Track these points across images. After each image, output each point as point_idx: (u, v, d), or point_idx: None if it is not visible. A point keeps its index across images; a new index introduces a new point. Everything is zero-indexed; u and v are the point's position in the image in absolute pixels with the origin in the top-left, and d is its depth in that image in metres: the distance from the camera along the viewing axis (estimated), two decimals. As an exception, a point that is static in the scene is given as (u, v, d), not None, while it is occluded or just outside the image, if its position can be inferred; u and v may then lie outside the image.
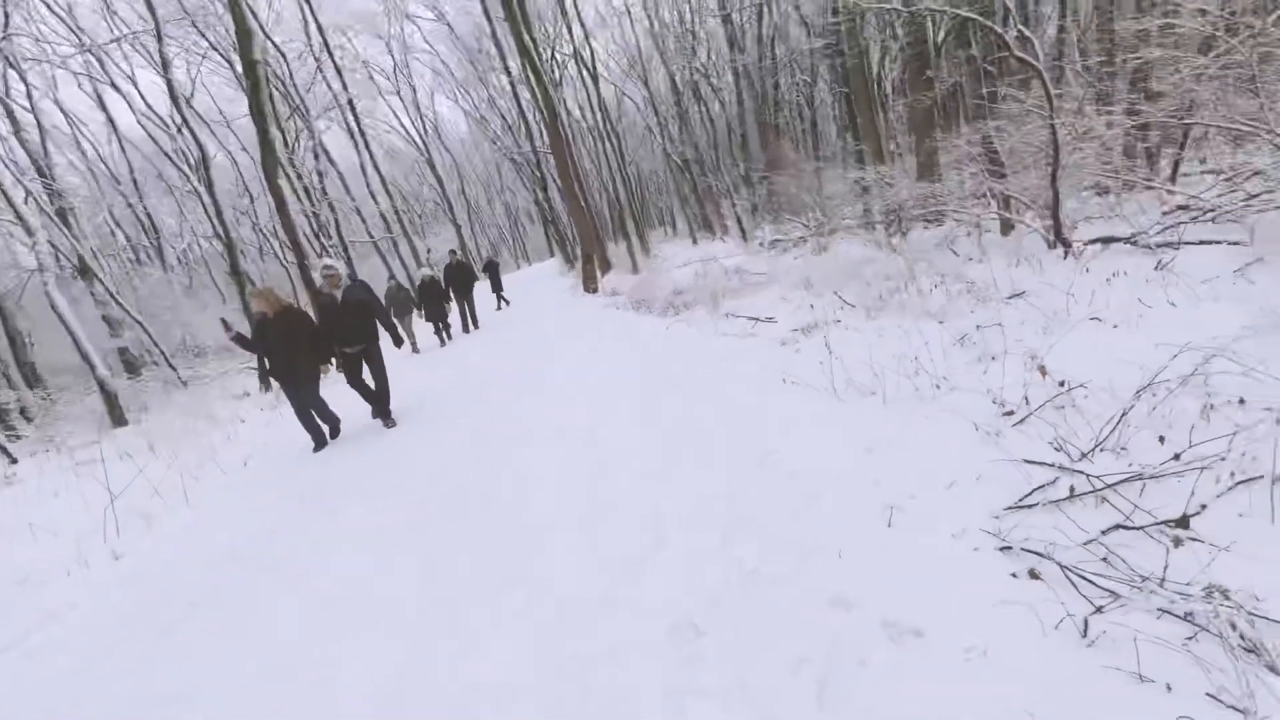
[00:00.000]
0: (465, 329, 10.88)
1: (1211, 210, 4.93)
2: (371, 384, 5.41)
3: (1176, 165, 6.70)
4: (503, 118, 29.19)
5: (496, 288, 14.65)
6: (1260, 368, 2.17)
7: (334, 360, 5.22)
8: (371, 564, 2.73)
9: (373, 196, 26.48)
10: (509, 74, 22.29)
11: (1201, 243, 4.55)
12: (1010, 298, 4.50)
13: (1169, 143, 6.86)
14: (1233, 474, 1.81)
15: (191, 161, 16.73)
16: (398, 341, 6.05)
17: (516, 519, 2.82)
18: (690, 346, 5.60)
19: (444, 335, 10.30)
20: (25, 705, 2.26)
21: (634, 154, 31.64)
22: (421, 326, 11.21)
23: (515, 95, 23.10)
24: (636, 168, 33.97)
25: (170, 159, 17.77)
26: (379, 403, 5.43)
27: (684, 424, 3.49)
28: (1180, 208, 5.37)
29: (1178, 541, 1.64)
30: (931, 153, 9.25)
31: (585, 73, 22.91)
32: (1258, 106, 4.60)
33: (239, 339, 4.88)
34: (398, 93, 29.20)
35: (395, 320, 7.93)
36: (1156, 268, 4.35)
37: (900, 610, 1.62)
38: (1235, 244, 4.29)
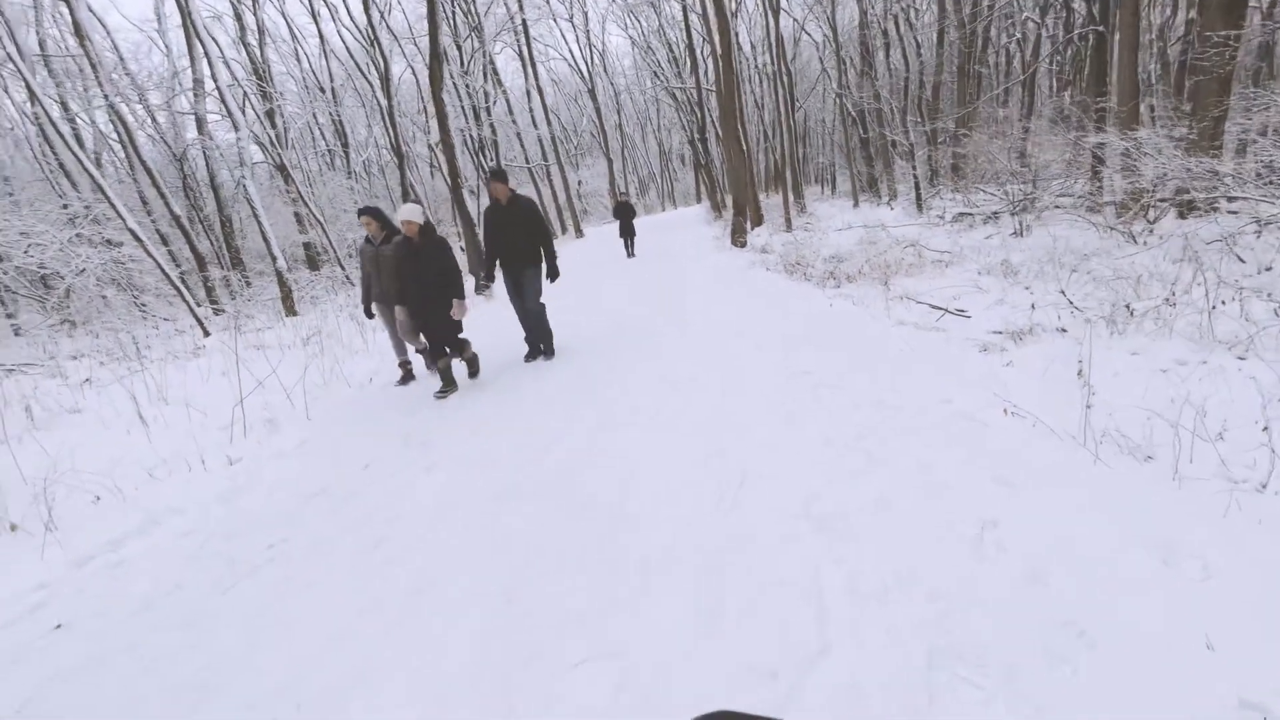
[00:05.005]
0: (531, 352, 5.27)
1: None
2: None
3: None
4: (670, 49, 27.95)
5: (627, 232, 13.91)
6: None
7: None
8: (441, 561, 2.33)
9: (534, 122, 26.93)
10: (683, 1, 20.91)
11: None
12: (1374, 339, 3.04)
13: None
14: None
15: (379, 74, 17.74)
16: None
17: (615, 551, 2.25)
18: (860, 334, 4.64)
19: (438, 363, 4.66)
20: (66, 648, 2.15)
21: (803, 100, 28.97)
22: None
23: (686, 25, 21.75)
24: (805, 114, 31.27)
25: (362, 71, 18.96)
26: None
27: (856, 448, 2.68)
28: None
29: None
30: (1219, 118, 6.99)
31: (765, 3, 20.83)
32: None
33: None
34: (570, 18, 28.88)
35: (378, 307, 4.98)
36: None
37: None
38: None
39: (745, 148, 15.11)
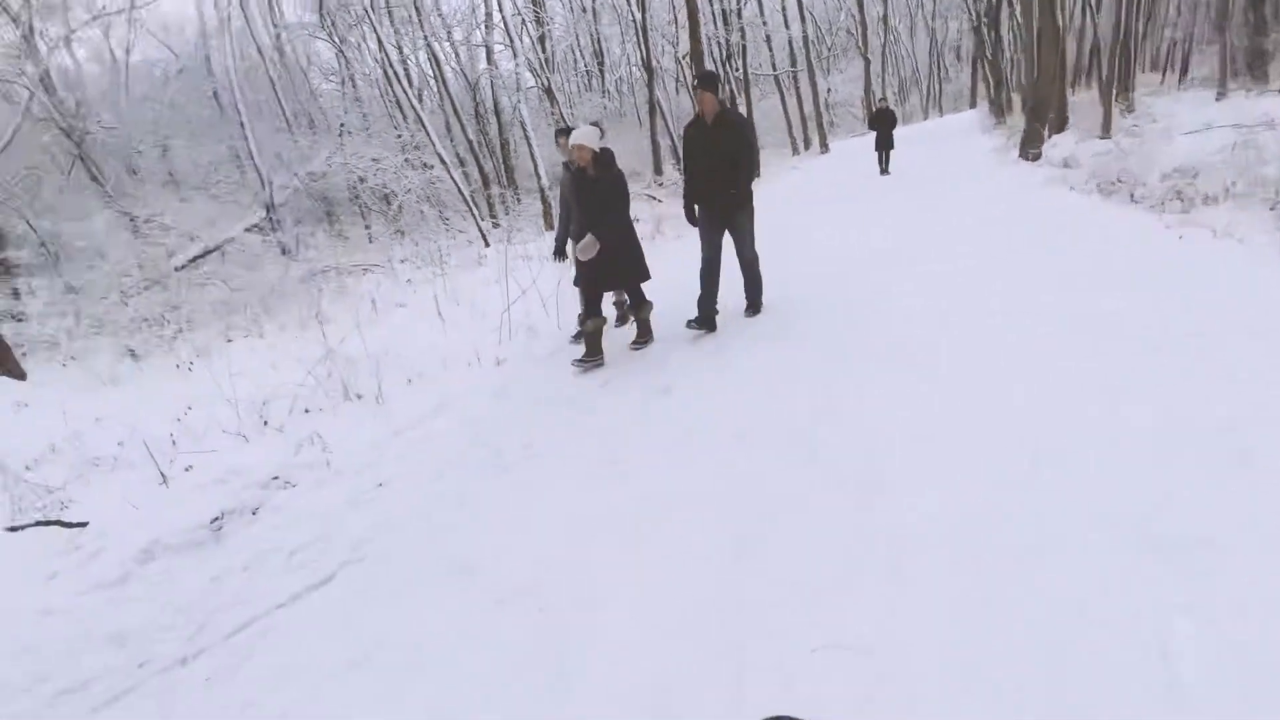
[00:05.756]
0: (752, 306, 4.37)
1: None
2: None
3: None
4: (966, -93, 22.65)
5: (885, 144, 11.95)
6: None
7: None
8: (673, 492, 2.33)
9: (785, 22, 24.72)
10: None
11: None
12: None
13: None
14: None
15: (635, -14, 17.78)
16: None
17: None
18: (1222, 280, 3.36)
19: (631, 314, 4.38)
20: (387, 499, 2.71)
21: (1156, -51, 21.22)
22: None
23: None
24: (1152, -30, 23.05)
25: (619, -15, 19.20)
26: None
27: (1224, 446, 1.92)
28: None
29: None
30: None
31: None
32: None
33: None
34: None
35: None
36: None
37: None
38: None
39: (1059, 24, 11.75)
